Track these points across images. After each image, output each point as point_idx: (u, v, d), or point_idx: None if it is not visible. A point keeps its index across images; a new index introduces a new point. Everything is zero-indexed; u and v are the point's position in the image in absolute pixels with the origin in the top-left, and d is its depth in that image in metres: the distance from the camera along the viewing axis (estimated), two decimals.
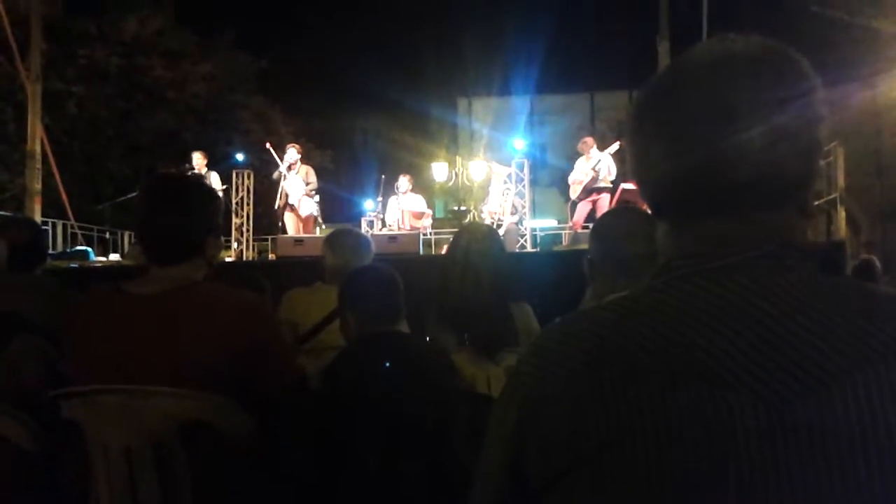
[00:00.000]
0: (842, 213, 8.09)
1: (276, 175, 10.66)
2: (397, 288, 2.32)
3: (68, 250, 11.51)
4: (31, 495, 2.13)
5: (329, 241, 3.13)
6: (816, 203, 7.73)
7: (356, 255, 3.03)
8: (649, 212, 0.93)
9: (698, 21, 12.74)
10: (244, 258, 13.11)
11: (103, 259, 11.81)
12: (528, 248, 11.88)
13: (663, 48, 14.09)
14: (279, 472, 2.04)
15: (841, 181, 8.28)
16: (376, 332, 2.25)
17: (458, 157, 16.11)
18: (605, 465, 0.74)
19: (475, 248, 2.83)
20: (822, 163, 0.90)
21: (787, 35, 0.86)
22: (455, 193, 16.35)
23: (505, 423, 0.87)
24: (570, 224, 11.19)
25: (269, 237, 15.19)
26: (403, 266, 2.50)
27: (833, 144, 8.11)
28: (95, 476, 1.81)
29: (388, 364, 2.12)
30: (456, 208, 14.58)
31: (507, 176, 12.20)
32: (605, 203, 9.91)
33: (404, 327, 2.36)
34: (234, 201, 13.20)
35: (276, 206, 10.75)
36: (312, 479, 2.05)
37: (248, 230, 13.50)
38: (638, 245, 1.76)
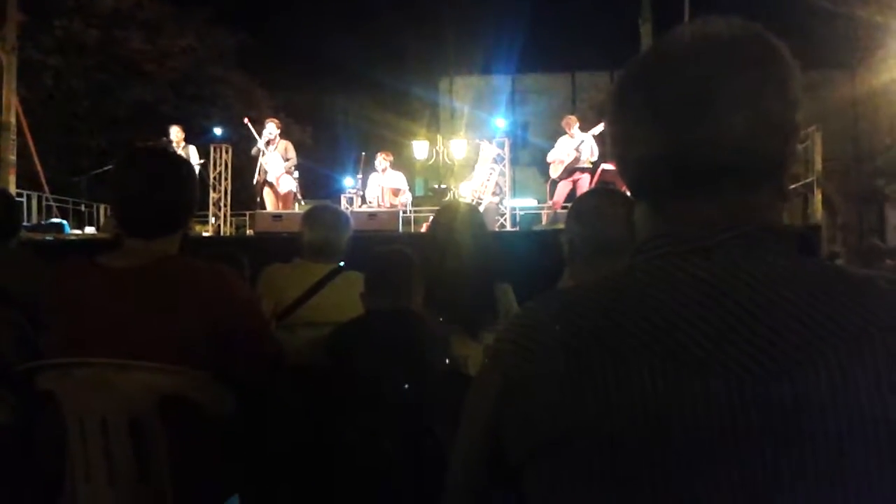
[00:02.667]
0: (818, 197, 8.15)
1: (254, 151, 10.52)
2: (401, 267, 2.33)
3: (43, 222, 11.39)
4: (6, 466, 2.12)
5: (307, 216, 3.11)
6: (794, 186, 7.79)
7: (334, 231, 3.01)
8: (628, 193, 0.93)
9: (680, 3, 12.74)
10: (221, 233, 13.02)
11: (79, 232, 11.71)
12: (508, 227, 11.89)
13: (645, 30, 14.10)
14: (256, 447, 2.04)
15: (818, 165, 8.33)
16: (373, 309, 2.27)
17: (438, 136, 16.09)
18: (590, 443, 0.75)
19: (457, 226, 2.83)
20: (799, 146, 0.91)
21: (769, 20, 0.86)
22: (435, 171, 16.33)
23: (483, 402, 0.87)
24: (550, 203, 11.18)
25: (248, 213, 15.07)
26: (383, 243, 2.50)
27: (811, 129, 8.15)
28: (71, 448, 1.81)
29: (368, 342, 2.13)
30: (436, 186, 14.58)
31: (496, 156, 12.18)
32: (585, 183, 9.92)
33: (414, 305, 2.35)
34: (211, 176, 13.07)
35: (254, 182, 10.65)
36: (288, 454, 2.05)
37: (225, 205, 13.39)
38: (616, 226, 1.77)
